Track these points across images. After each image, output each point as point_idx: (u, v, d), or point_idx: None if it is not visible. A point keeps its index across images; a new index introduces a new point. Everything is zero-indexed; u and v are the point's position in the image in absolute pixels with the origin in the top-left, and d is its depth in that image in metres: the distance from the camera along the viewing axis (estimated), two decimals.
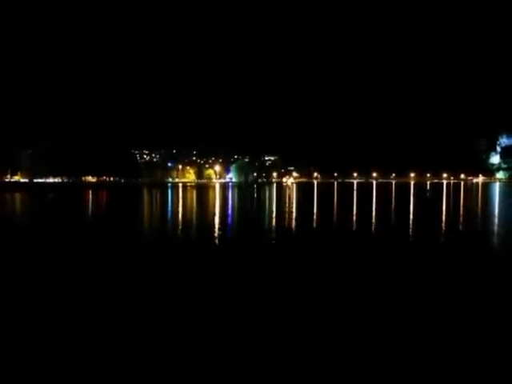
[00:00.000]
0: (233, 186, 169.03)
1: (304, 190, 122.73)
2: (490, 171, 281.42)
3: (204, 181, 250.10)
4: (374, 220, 35.62)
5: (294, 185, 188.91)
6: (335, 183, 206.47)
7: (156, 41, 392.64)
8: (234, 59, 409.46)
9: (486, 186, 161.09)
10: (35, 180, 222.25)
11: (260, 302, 11.75)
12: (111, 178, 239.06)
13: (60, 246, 21.13)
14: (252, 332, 9.58)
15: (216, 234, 25.86)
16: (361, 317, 10.34)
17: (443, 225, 31.48)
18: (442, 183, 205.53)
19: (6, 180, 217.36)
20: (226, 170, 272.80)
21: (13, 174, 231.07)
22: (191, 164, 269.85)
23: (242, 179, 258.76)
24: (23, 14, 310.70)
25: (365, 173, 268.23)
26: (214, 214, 40.96)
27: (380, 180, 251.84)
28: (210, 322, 10.00)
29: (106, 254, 19.27)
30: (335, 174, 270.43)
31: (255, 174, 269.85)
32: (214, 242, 22.92)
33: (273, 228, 30.40)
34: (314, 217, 38.71)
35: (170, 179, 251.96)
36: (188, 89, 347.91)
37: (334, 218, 38.44)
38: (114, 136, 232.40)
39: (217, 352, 8.49)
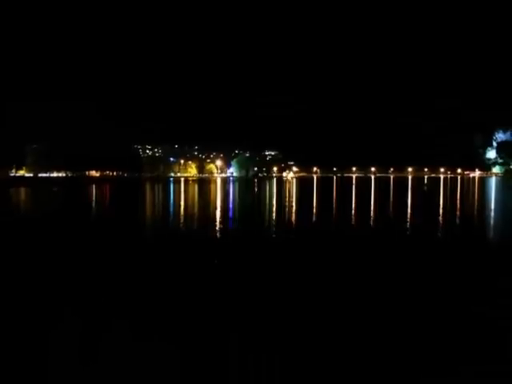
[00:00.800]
0: (234, 181, 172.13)
1: (304, 184, 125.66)
2: (486, 166, 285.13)
3: (205, 175, 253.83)
4: (372, 212, 37.06)
5: (294, 179, 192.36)
6: (334, 178, 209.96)
7: (157, 39, 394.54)
8: (236, 57, 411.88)
9: (482, 181, 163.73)
10: (40, 174, 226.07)
11: (258, 291, 12.06)
12: (114, 173, 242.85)
13: (66, 237, 21.93)
14: (250, 317, 9.94)
15: (218, 226, 26.58)
16: (359, 315, 10.23)
17: (437, 216, 32.75)
18: (440, 178, 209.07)
19: (12, 175, 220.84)
20: (227, 164, 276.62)
21: (18, 169, 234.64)
22: (193, 159, 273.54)
23: (243, 174, 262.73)
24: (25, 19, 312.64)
25: (363, 168, 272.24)
26: (215, 208, 42.07)
27: (378, 174, 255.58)
28: (208, 316, 10.06)
29: (111, 244, 20.23)
30: (334, 169, 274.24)
31: (256, 169, 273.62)
32: (216, 234, 23.62)
33: (273, 219, 31.32)
34: (314, 210, 39.96)
35: (172, 174, 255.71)
36: (189, 86, 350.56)
37: (333, 210, 39.35)
38: (116, 133, 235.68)
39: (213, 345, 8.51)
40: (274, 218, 32.96)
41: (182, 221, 30.81)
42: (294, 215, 34.52)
